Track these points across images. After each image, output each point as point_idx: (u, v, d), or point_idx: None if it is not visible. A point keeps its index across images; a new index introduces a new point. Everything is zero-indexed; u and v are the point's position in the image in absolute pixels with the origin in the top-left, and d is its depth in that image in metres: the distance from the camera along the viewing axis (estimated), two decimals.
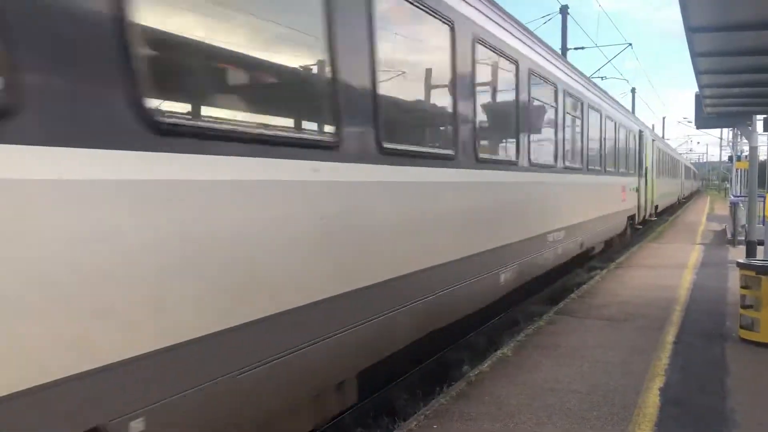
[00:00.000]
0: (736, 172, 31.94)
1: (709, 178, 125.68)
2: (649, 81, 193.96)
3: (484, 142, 7.42)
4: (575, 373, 6.35)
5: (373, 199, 4.88)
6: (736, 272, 8.92)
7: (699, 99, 12.84)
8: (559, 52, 23.45)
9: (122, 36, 2.92)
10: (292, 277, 3.99)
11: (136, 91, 2.97)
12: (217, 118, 3.64)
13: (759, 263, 7.67)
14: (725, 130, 49.49)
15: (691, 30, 6.58)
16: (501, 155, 8.18)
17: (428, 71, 6.15)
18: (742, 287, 7.60)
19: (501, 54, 7.61)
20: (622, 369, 6.49)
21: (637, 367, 6.52)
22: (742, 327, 7.62)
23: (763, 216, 14.83)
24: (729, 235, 20.83)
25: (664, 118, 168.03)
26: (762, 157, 32.89)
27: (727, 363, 6.71)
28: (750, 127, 14.38)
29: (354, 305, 4.61)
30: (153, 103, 3.07)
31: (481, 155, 6.91)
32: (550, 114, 10.10)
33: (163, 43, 3.34)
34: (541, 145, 9.63)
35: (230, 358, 3.50)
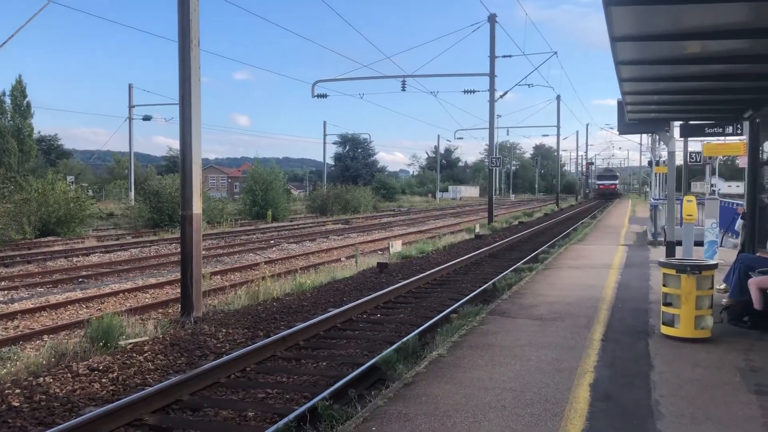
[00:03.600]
0: (656, 176, 33.44)
1: (629, 182, 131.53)
2: (574, 89, 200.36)
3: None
4: (509, 372, 6.50)
5: None
6: (658, 271, 9.33)
7: (621, 106, 13.37)
8: (488, 60, 29.62)
9: None
10: None
11: None
12: None
13: (678, 262, 8.05)
14: (645, 136, 51.66)
15: (614, 39, 6.86)
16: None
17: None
18: (664, 285, 7.96)
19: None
20: (553, 366, 6.68)
21: (567, 365, 6.74)
22: (664, 323, 7.97)
23: (681, 218, 15.58)
24: (650, 237, 21.76)
25: (587, 125, 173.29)
26: (679, 162, 34.59)
27: (652, 358, 7.02)
28: (668, 133, 15.09)
29: None
30: None
31: None
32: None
33: None
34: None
35: None
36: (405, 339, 8.54)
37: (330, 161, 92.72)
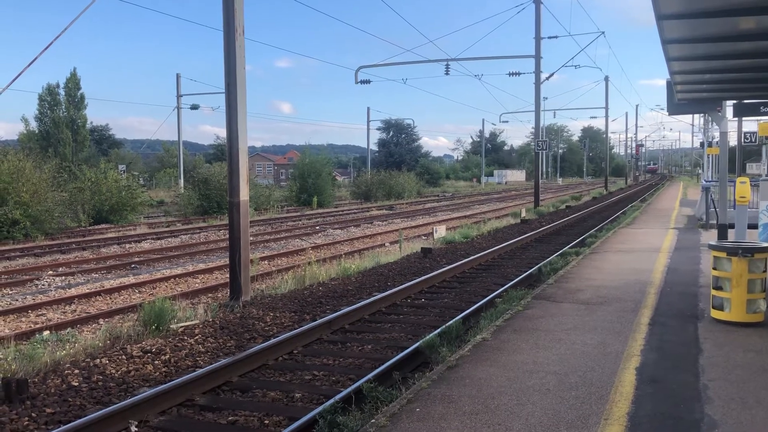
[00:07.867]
0: (708, 157, 32.49)
1: (681, 164, 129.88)
2: (622, 69, 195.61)
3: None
4: (553, 356, 6.48)
5: None
6: (708, 255, 9.12)
7: (670, 86, 13.02)
8: (534, 42, 29.66)
9: None
10: None
11: None
12: None
13: (730, 245, 7.85)
14: (697, 116, 50.16)
15: (660, 17, 6.70)
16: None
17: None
18: (714, 269, 7.79)
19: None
20: (598, 350, 6.63)
21: (613, 349, 6.67)
22: (714, 307, 7.81)
23: (734, 200, 15.14)
24: (701, 220, 21.21)
25: (637, 106, 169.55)
26: (732, 143, 33.50)
27: (701, 342, 6.90)
28: (720, 113, 14.65)
29: None
30: None
31: None
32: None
33: None
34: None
35: None
36: (449, 323, 8.56)
37: (374, 147, 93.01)
